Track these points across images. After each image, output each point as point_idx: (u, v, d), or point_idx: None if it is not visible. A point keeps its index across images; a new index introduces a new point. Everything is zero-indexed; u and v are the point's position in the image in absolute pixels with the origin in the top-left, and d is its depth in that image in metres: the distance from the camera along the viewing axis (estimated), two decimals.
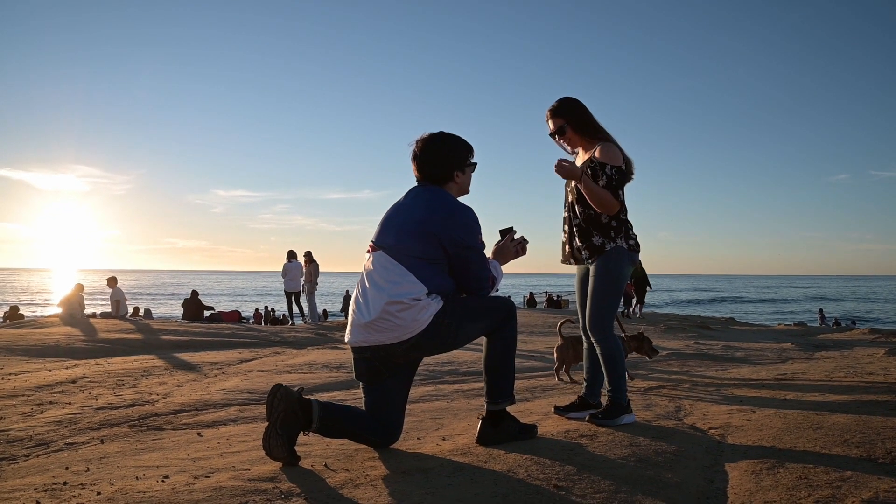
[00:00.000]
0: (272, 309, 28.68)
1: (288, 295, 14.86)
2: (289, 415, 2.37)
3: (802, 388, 4.36)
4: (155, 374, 5.41)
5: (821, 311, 33.91)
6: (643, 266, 16.66)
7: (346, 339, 2.70)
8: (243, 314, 21.19)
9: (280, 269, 14.80)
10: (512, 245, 3.00)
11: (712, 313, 33.34)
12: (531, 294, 28.94)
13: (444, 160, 2.72)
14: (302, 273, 14.65)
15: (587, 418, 3.14)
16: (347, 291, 30.73)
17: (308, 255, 14.66)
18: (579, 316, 3.41)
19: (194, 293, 16.31)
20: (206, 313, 16.17)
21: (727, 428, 3.06)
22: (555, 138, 3.36)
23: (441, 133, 2.78)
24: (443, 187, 2.74)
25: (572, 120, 3.26)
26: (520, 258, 3.08)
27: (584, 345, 3.42)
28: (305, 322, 14.48)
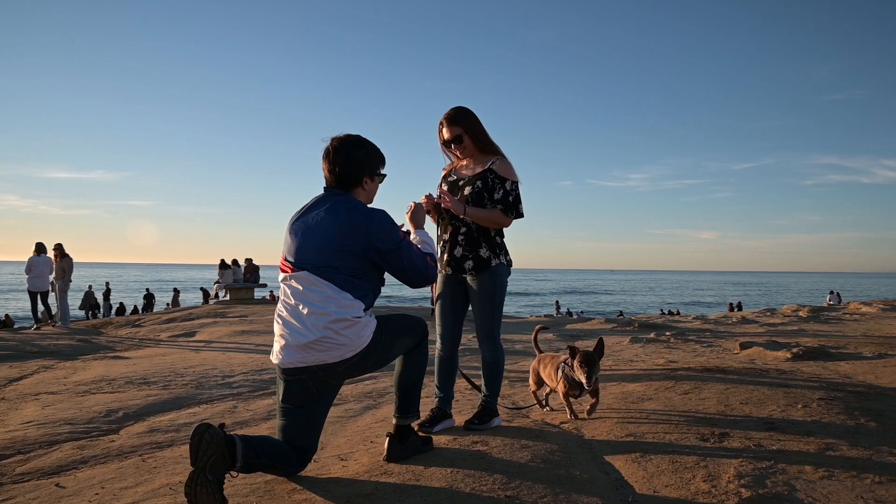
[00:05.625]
0: None
1: (32, 294, 12.63)
2: (218, 458, 2.17)
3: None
4: None
5: (557, 302, 39.10)
6: None
7: (275, 361, 2.55)
8: None
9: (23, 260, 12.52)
10: (422, 210, 3.10)
11: None
12: None
13: (357, 163, 2.65)
14: (52, 269, 12.57)
15: (464, 424, 3.35)
16: (90, 286, 27.15)
17: (59, 248, 12.62)
18: (440, 325, 3.43)
19: None
20: None
21: (574, 422, 3.51)
22: (448, 147, 3.38)
23: (358, 136, 2.71)
24: (351, 192, 2.67)
25: (470, 130, 3.30)
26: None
27: (441, 354, 3.45)
28: (54, 325, 12.44)
